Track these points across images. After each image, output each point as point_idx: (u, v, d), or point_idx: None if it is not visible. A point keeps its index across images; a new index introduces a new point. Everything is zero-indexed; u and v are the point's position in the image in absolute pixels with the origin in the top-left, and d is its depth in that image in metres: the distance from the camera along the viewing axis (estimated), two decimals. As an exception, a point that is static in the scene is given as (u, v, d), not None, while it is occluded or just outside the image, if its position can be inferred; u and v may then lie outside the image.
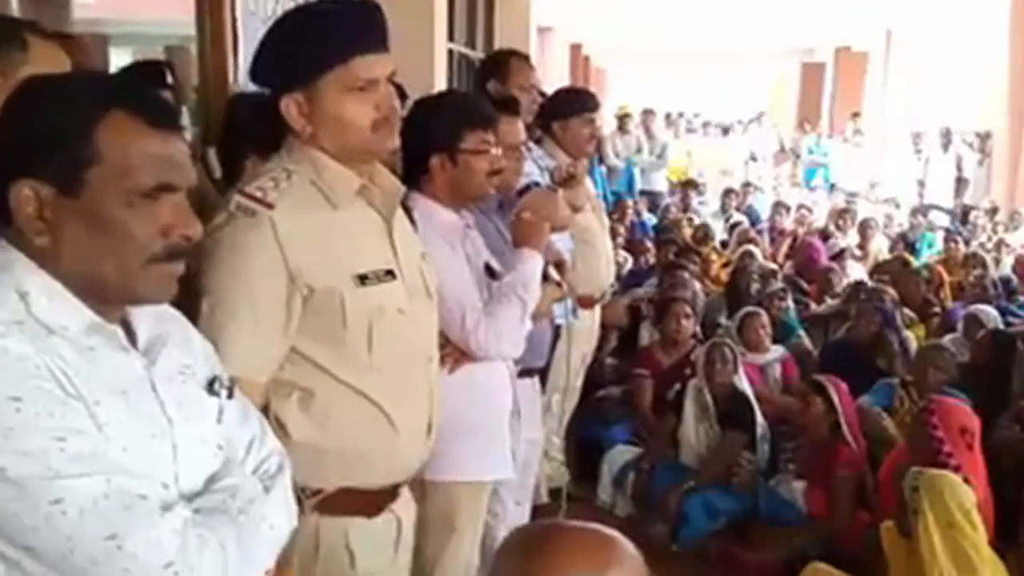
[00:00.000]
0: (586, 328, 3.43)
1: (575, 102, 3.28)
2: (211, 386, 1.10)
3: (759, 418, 3.54)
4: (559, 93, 3.50)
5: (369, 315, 1.42)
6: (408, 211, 1.64)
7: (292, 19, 1.43)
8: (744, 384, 3.60)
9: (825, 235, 7.06)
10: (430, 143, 1.99)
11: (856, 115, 11.72)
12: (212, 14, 3.20)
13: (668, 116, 11.59)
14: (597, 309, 3.51)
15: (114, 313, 1.02)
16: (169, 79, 2.02)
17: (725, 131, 12.68)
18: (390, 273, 1.46)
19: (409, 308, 1.50)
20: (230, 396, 1.12)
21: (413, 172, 2.04)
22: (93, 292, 0.98)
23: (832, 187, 10.44)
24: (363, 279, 1.42)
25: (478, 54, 7.00)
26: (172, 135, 0.99)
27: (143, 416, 0.99)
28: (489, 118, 2.08)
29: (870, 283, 5.49)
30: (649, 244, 6.08)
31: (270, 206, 1.35)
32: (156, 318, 1.07)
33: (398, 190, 1.54)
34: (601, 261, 3.37)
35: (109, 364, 0.98)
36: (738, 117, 13.46)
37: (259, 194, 1.36)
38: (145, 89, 1.01)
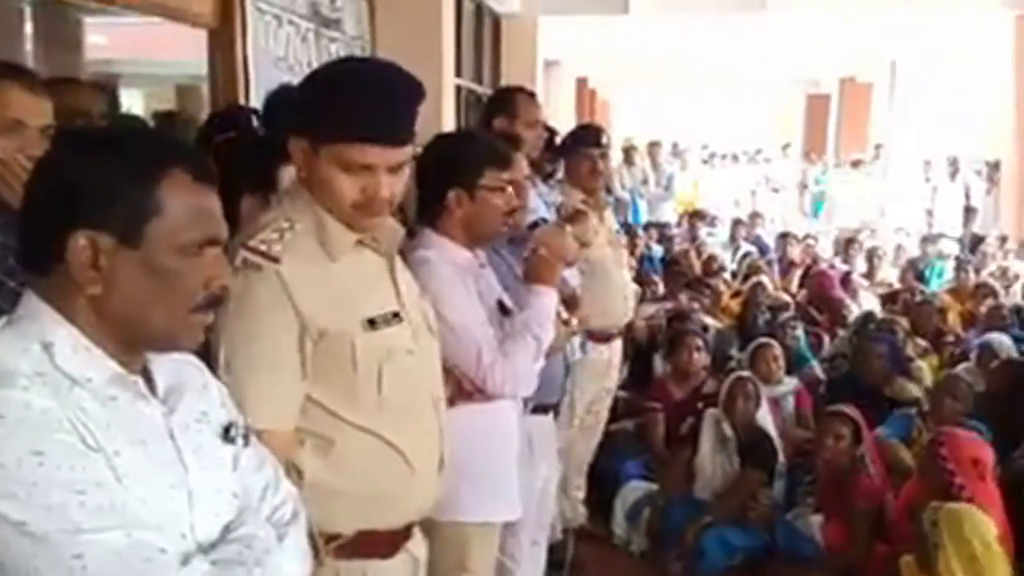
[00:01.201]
0: (603, 362, 3.42)
1: (577, 138, 3.41)
2: (227, 433, 1.11)
3: (780, 455, 3.50)
4: (570, 132, 3.62)
5: (379, 358, 1.43)
6: (401, 252, 1.64)
7: (329, 74, 1.46)
8: (767, 421, 3.57)
9: (832, 265, 7.05)
10: (449, 178, 2.00)
11: (879, 146, 11.74)
12: (223, 54, 3.25)
13: (675, 147, 11.63)
14: (617, 343, 3.50)
15: (137, 362, 1.04)
16: (256, 124, 2.04)
17: (735, 159, 12.70)
18: (396, 316, 1.48)
19: (416, 348, 1.51)
20: (246, 443, 1.13)
21: (428, 207, 2.06)
22: (133, 340, 1.01)
23: (840, 218, 10.42)
24: (372, 323, 1.43)
25: (485, 89, 7.07)
26: (215, 191, 1.05)
27: (161, 465, 1.00)
28: (508, 159, 2.09)
29: (881, 313, 5.47)
30: (656, 277, 6.07)
31: (276, 260, 1.37)
32: (175, 365, 1.09)
33: (397, 231, 1.56)
34: (617, 295, 3.37)
35: (129, 414, 0.99)
36: (744, 148, 13.50)
37: (264, 248, 1.37)
38: (194, 148, 1.08)
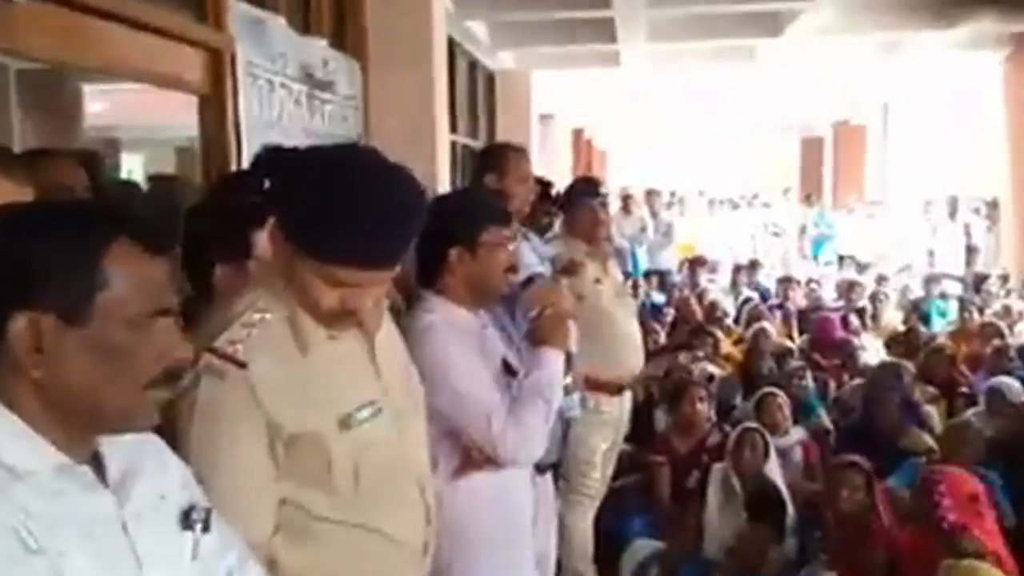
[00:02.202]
0: (615, 417, 3.36)
1: (578, 190, 3.44)
2: (187, 517, 1.05)
3: (789, 508, 3.41)
4: (569, 185, 3.64)
5: (355, 457, 1.35)
6: (396, 314, 1.57)
7: (321, 184, 1.27)
8: (775, 474, 3.49)
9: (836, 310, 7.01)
10: (450, 236, 1.97)
11: (887, 188, 11.76)
12: (214, 119, 3.25)
13: (672, 195, 11.69)
14: (627, 396, 3.44)
15: (86, 448, 0.97)
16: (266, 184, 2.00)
17: (734, 205, 12.74)
18: (375, 404, 1.38)
19: (397, 435, 1.43)
20: (206, 528, 1.06)
21: (429, 268, 2.01)
22: (83, 423, 0.95)
23: (841, 259, 10.41)
24: (346, 422, 1.34)
25: (481, 144, 7.12)
26: (166, 260, 0.99)
27: (113, 562, 0.94)
28: (506, 215, 2.07)
29: (887, 358, 5.41)
30: (657, 325, 6.02)
31: (242, 365, 1.27)
32: (130, 446, 1.02)
33: (382, 309, 1.47)
34: (627, 347, 3.32)
35: (78, 508, 0.93)
36: (741, 193, 13.57)
37: (230, 350, 1.28)
38: (145, 215, 1.01)
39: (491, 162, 3.01)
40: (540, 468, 2.36)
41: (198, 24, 3.12)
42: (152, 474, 1.04)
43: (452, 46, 6.18)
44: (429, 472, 1.54)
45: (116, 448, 1.00)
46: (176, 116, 3.41)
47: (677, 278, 8.56)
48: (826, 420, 4.46)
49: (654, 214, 9.03)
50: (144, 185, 4.44)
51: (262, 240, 1.49)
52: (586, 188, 3.43)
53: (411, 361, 1.58)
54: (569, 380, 2.18)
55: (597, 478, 3.42)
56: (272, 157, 1.36)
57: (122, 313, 0.93)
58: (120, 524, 0.96)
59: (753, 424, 3.70)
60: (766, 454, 3.53)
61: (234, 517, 1.23)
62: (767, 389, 4.18)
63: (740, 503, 3.43)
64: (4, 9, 2.15)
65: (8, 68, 3.42)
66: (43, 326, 0.90)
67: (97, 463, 0.98)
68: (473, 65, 7.49)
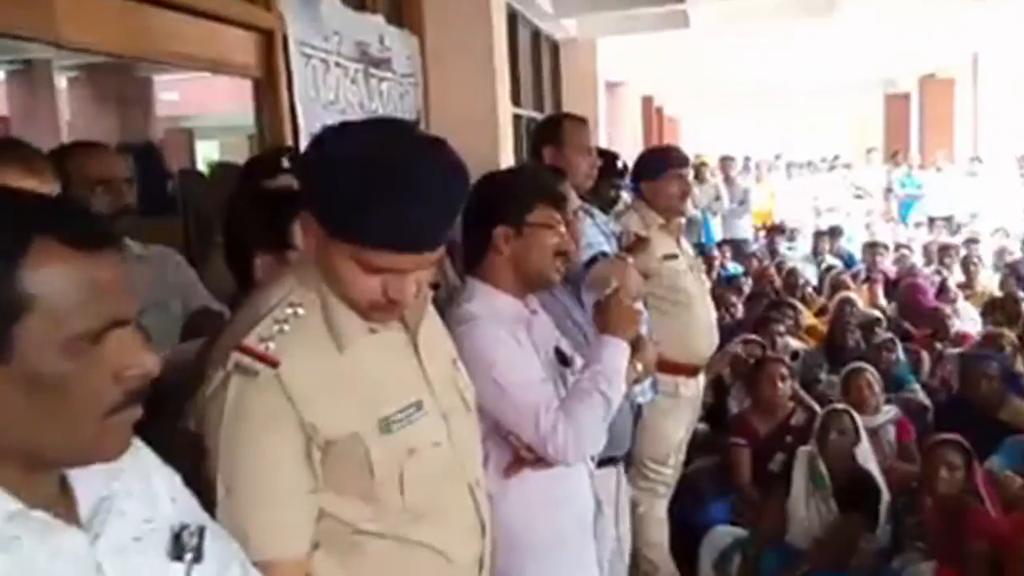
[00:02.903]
0: (688, 399, 3.21)
1: (664, 160, 3.25)
2: (178, 541, 0.92)
3: (884, 494, 3.18)
4: (647, 153, 3.49)
5: (399, 461, 1.23)
6: (439, 306, 1.44)
7: (352, 163, 1.15)
8: (868, 457, 3.26)
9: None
10: (496, 214, 1.84)
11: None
12: (269, 103, 3.19)
13: (747, 160, 11.25)
14: (700, 378, 3.28)
15: (47, 486, 0.84)
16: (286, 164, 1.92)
17: (812, 167, 12.20)
18: (419, 406, 1.27)
19: (445, 436, 1.31)
20: (198, 556, 0.93)
21: (474, 251, 1.90)
22: (34, 466, 0.82)
23: (931, 221, 9.86)
24: (388, 424, 1.22)
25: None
26: (107, 255, 0.81)
27: None
28: (560, 196, 1.93)
29: (983, 326, 5.06)
30: (734, 298, 5.78)
31: (275, 364, 1.16)
32: (105, 470, 0.88)
33: (425, 297, 1.33)
34: (701, 327, 3.17)
35: (39, 557, 0.80)
36: (821, 155, 13.00)
37: (261, 348, 1.17)
38: (68, 205, 0.84)
39: (548, 134, 2.88)
40: (609, 461, 2.23)
41: (247, 4, 3.04)
42: (133, 496, 0.90)
43: (513, 17, 6.01)
44: (482, 479, 1.41)
45: (87, 473, 0.86)
46: (247, 102, 3.35)
47: (754, 247, 8.24)
48: (921, 394, 4.19)
49: (729, 181, 8.68)
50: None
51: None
52: (671, 157, 3.25)
53: (457, 356, 1.46)
54: (640, 367, 2.04)
55: (672, 465, 3.27)
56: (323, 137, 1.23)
57: (57, 335, 0.77)
58: (93, 565, 0.83)
59: (840, 405, 3.47)
60: (856, 436, 3.31)
61: (264, 531, 1.14)
62: (855, 364, 3.93)
63: (828, 490, 3.22)
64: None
65: (51, 63, 3.42)
66: None
67: (66, 494, 0.86)
68: (536, 35, 7.29)
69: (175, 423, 1.29)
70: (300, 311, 1.21)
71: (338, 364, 1.21)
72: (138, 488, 0.92)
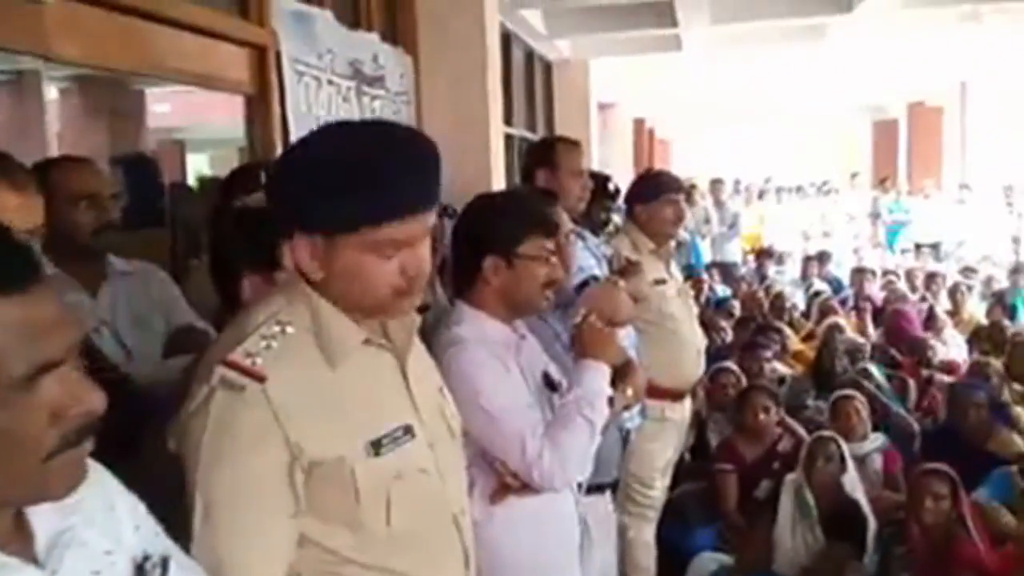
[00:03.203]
0: (675, 423, 3.20)
1: (659, 184, 3.25)
2: (140, 572, 0.89)
3: (871, 523, 3.17)
4: (641, 176, 3.46)
5: (386, 486, 1.20)
6: (424, 335, 1.42)
7: (331, 158, 1.16)
8: (855, 486, 3.25)
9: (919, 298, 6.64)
10: (486, 243, 1.83)
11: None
12: (261, 119, 3.17)
13: (736, 184, 11.31)
14: (687, 402, 3.27)
15: (1, 519, 0.80)
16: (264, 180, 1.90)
17: (801, 192, 12.25)
18: (408, 430, 1.24)
19: (432, 463, 1.28)
20: None
21: (463, 276, 1.89)
22: None
23: (918, 248, 9.92)
24: (377, 447, 1.19)
25: (540, 137, 6.95)
26: (34, 292, 0.74)
27: None
28: (552, 225, 1.91)
29: (969, 354, 5.07)
30: (723, 322, 5.77)
31: (261, 378, 1.12)
32: (62, 504, 0.84)
33: (413, 321, 1.31)
34: (687, 352, 3.16)
35: None
36: (811, 180, 13.08)
37: (247, 362, 1.13)
38: None
39: (541, 157, 2.87)
40: (597, 488, 2.20)
41: (240, 21, 3.03)
42: (94, 526, 0.87)
43: (507, 37, 6.03)
44: (467, 507, 1.39)
45: (44, 508, 0.83)
46: (239, 116, 3.34)
47: (743, 270, 8.26)
48: (908, 423, 4.18)
49: (719, 204, 8.72)
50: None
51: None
52: (666, 182, 3.25)
53: (443, 383, 1.44)
54: (630, 393, 2.02)
55: (659, 487, 3.25)
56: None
57: None
58: None
59: (827, 432, 3.46)
60: (843, 464, 3.29)
61: (241, 555, 1.11)
62: (843, 392, 3.93)
63: (815, 519, 3.20)
64: (33, 10, 2.08)
65: (40, 73, 3.39)
66: None
67: (22, 531, 0.82)
68: (529, 55, 7.33)
69: (160, 442, 1.26)
70: (289, 329, 1.18)
71: (328, 382, 1.18)
72: (100, 517, 0.88)
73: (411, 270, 1.18)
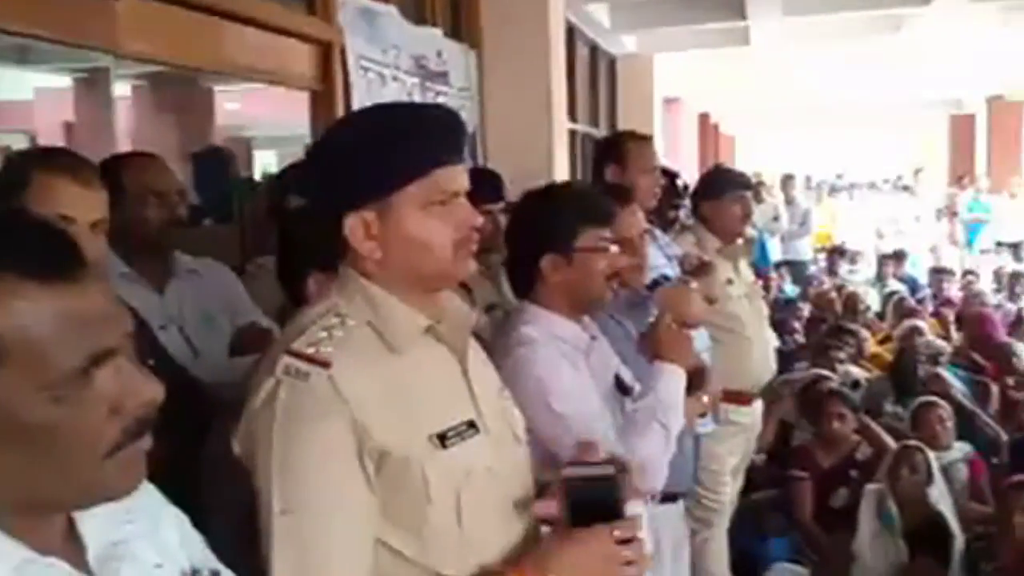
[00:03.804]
0: (746, 428, 3.09)
1: (726, 180, 3.17)
2: None
3: (957, 537, 3.00)
4: (709, 172, 3.39)
5: (456, 483, 1.14)
6: (479, 337, 1.36)
7: (362, 125, 1.22)
8: (941, 497, 3.08)
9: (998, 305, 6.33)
10: (541, 242, 1.77)
11: None
12: (326, 115, 3.15)
13: (807, 180, 10.99)
14: (758, 405, 3.16)
15: (55, 528, 0.77)
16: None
17: (886, 190, 11.84)
18: (472, 425, 1.19)
19: (498, 464, 1.22)
20: None
21: (522, 276, 1.83)
22: (35, 512, 0.75)
23: (999, 247, 9.48)
24: (443, 439, 1.14)
25: (603, 132, 6.85)
26: (81, 281, 0.71)
27: None
28: (607, 214, 1.84)
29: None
30: (795, 322, 5.58)
31: (326, 364, 1.10)
32: (115, 511, 0.81)
33: (468, 317, 1.28)
34: (755, 354, 3.05)
35: None
36: (884, 176, 12.65)
37: (311, 351, 1.11)
38: (26, 231, 0.72)
39: (611, 153, 2.80)
40: (669, 497, 2.12)
41: (306, 17, 3.02)
42: (144, 539, 0.84)
43: (571, 32, 5.94)
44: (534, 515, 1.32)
45: (95, 517, 0.80)
46: (305, 113, 3.34)
47: (813, 269, 8.00)
48: (995, 432, 3.96)
49: (789, 201, 8.46)
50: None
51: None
52: (734, 178, 3.15)
53: (505, 386, 1.36)
54: (707, 399, 1.93)
55: (727, 492, 3.14)
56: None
57: (37, 380, 0.68)
58: None
59: (913, 441, 3.29)
60: (929, 475, 3.12)
61: (329, 547, 1.07)
62: (926, 398, 3.73)
63: (898, 532, 3.04)
64: (106, 7, 2.08)
65: (110, 71, 3.44)
66: None
67: (74, 540, 0.79)
68: (594, 50, 7.22)
69: (227, 444, 1.25)
70: (349, 321, 1.15)
71: (391, 371, 1.14)
72: (147, 530, 0.85)
73: (468, 220, 1.18)
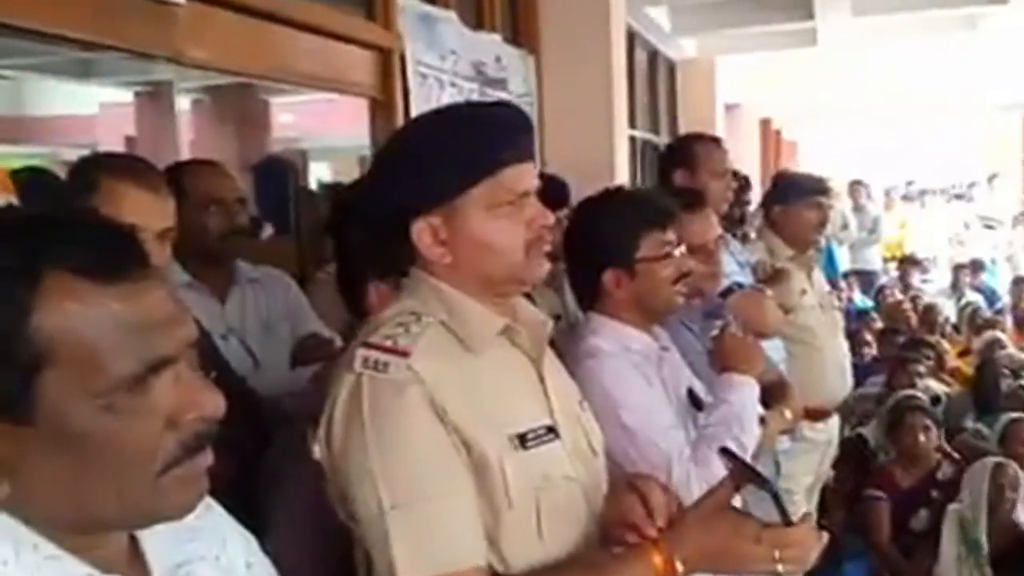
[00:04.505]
0: (821, 445, 2.95)
1: (800, 185, 3.07)
2: None
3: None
4: (783, 176, 3.30)
5: (535, 487, 1.10)
6: (553, 344, 1.30)
7: (425, 129, 1.18)
8: (1032, 522, 2.90)
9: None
10: (601, 256, 1.70)
11: None
12: (385, 123, 3.12)
13: (870, 186, 10.62)
14: (834, 422, 3.01)
15: (115, 547, 0.72)
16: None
17: (957, 196, 11.42)
18: (551, 431, 1.14)
19: (576, 474, 1.16)
20: None
21: (585, 290, 1.76)
22: (92, 531, 0.70)
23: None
24: (523, 440, 1.10)
25: (663, 139, 6.73)
26: (141, 283, 0.66)
27: None
28: (665, 215, 1.75)
29: None
30: (868, 335, 5.37)
31: (404, 354, 1.06)
32: (179, 529, 0.76)
33: (544, 324, 1.22)
34: (831, 368, 2.91)
35: None
36: (956, 182, 12.19)
37: (388, 343, 1.08)
38: (83, 226, 0.67)
39: (679, 156, 2.70)
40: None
41: (366, 23, 2.99)
42: (209, 561, 0.79)
43: (631, 37, 5.84)
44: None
45: (158, 535, 0.75)
46: (357, 125, 3.33)
47: (884, 279, 7.72)
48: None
49: (857, 208, 8.19)
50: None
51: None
52: (809, 183, 3.02)
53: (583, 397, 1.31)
54: (789, 414, 1.81)
55: (801, 513, 2.99)
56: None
57: (87, 389, 0.63)
58: None
59: (1002, 459, 3.09)
60: (1018, 495, 2.93)
61: (445, 536, 1.03)
62: (1015, 415, 3.53)
63: (984, 556, 2.86)
64: (167, 14, 2.06)
65: (173, 84, 3.47)
66: None
67: (138, 559, 0.74)
68: (653, 55, 7.10)
69: (291, 453, 1.20)
70: (425, 318, 1.12)
71: (469, 368, 1.10)
72: (213, 552, 0.80)
73: (539, 219, 1.14)
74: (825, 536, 1.08)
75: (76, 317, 0.63)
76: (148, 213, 1.39)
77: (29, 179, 1.66)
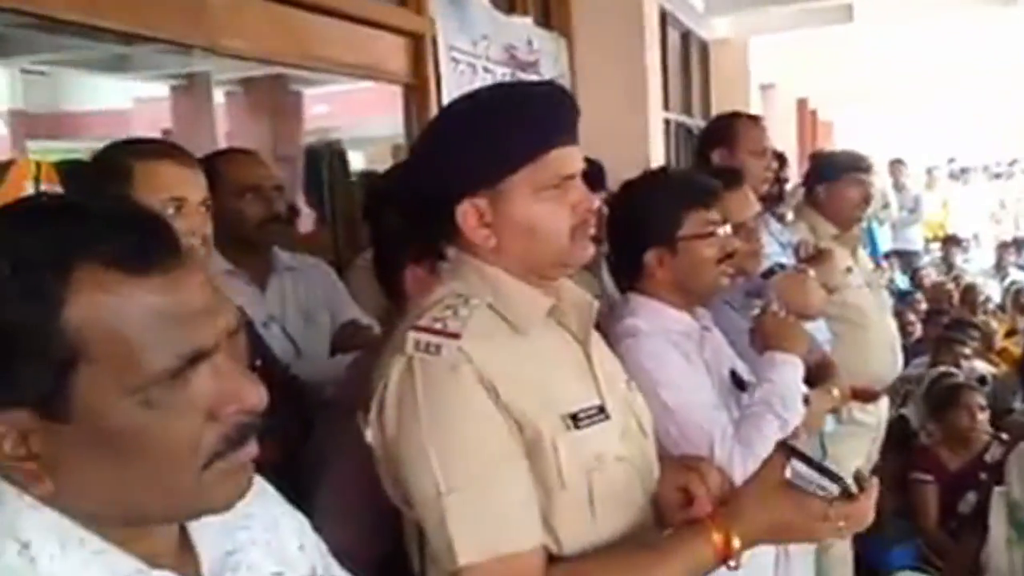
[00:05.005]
0: (870, 428, 2.90)
1: (843, 162, 2.99)
2: None
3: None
4: (825, 154, 3.26)
5: (588, 467, 1.09)
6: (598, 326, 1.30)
7: (472, 110, 1.15)
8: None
9: None
10: (643, 236, 1.68)
11: None
12: (419, 109, 3.12)
13: (915, 165, 10.40)
14: (883, 403, 2.95)
15: (164, 539, 0.71)
16: None
17: (997, 175, 11.15)
18: (602, 410, 1.14)
19: (628, 454, 1.16)
20: None
21: (626, 270, 1.74)
22: (139, 524, 0.69)
23: None
24: (575, 420, 1.09)
25: (696, 121, 6.65)
26: (176, 272, 0.64)
27: None
28: (709, 192, 1.73)
29: None
30: (912, 315, 5.26)
31: (455, 335, 1.06)
32: (229, 519, 0.75)
33: (591, 305, 1.22)
34: (879, 348, 2.85)
35: None
36: (998, 159, 11.89)
37: (438, 326, 1.08)
38: (113, 216, 0.65)
39: (718, 135, 2.65)
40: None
41: (398, 8, 2.98)
42: (260, 546, 0.78)
43: (664, 17, 5.77)
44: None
45: (209, 525, 0.74)
46: (390, 113, 3.33)
47: (925, 259, 7.57)
48: None
49: (899, 187, 8.03)
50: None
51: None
52: (852, 160, 2.96)
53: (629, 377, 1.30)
54: (836, 393, 1.78)
55: None
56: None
57: (123, 384, 0.62)
58: None
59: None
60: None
61: (502, 518, 1.03)
62: (1067, 395, 3.44)
63: (1036, 540, 2.79)
64: (201, 4, 2.07)
65: (210, 76, 3.49)
66: (22, 427, 0.61)
67: (188, 550, 0.73)
68: (685, 36, 7.01)
69: (334, 439, 1.21)
70: (473, 300, 1.11)
71: (518, 349, 1.10)
72: (264, 537, 0.79)
73: (584, 203, 1.13)
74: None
75: (108, 310, 0.61)
76: (187, 185, 1.40)
77: (71, 170, 1.68)
